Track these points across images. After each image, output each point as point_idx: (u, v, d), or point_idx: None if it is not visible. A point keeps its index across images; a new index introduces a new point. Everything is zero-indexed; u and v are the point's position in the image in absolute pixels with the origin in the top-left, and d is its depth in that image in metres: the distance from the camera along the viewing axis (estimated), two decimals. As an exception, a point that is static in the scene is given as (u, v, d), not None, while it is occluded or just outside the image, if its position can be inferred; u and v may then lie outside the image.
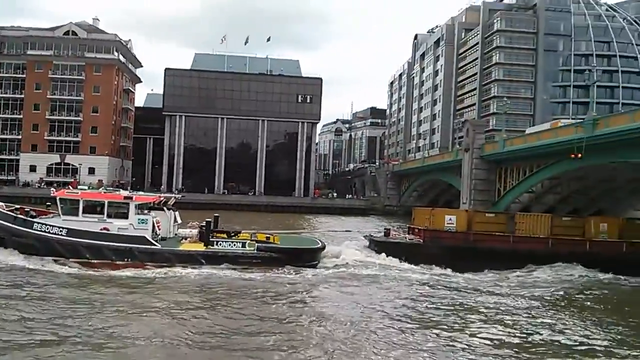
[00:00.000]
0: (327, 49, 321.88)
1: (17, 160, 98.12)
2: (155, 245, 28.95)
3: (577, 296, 27.44)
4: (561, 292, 27.82)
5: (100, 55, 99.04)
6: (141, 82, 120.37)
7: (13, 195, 70.77)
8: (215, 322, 19.63)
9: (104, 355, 15.77)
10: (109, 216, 29.06)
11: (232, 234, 31.27)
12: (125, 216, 29.10)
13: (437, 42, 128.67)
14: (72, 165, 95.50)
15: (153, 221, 29.67)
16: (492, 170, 55.75)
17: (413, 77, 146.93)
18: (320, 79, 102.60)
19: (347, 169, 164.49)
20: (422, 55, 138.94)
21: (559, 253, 34.84)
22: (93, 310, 20.41)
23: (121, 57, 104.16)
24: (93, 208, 29.28)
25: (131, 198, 29.75)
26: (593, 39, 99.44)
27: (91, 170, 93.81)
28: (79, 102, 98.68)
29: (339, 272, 29.56)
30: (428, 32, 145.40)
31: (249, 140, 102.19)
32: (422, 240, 35.72)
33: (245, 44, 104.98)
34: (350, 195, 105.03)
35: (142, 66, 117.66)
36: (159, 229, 30.49)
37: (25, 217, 29.59)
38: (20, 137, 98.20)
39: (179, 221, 33.48)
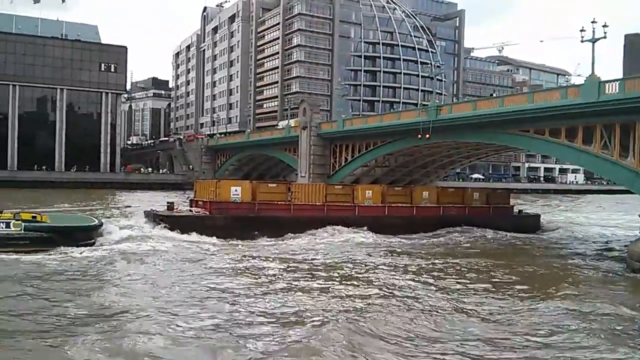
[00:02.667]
0: (94, 11, 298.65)
1: None
2: None
3: (348, 252, 30.51)
4: (336, 252, 30.55)
5: None
6: None
7: None
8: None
9: None
10: None
11: None
12: None
13: (232, 18, 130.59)
14: None
15: None
16: (327, 147, 61.73)
17: (204, 51, 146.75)
18: (125, 47, 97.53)
19: (130, 142, 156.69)
20: (215, 29, 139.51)
21: (331, 217, 38.35)
22: None
23: None
24: None
25: None
26: (379, 28, 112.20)
27: None
28: None
29: (119, 250, 27.84)
30: (217, 5, 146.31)
31: (46, 110, 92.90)
32: (208, 212, 35.69)
33: (35, 2, 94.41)
34: (165, 170, 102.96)
35: None
36: None
37: None
38: None
39: None
